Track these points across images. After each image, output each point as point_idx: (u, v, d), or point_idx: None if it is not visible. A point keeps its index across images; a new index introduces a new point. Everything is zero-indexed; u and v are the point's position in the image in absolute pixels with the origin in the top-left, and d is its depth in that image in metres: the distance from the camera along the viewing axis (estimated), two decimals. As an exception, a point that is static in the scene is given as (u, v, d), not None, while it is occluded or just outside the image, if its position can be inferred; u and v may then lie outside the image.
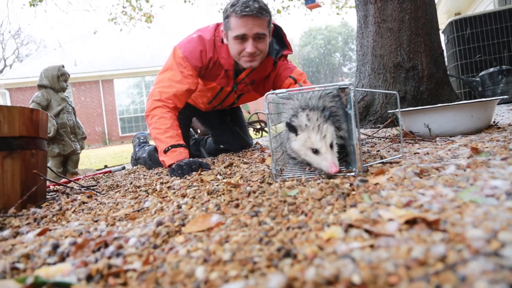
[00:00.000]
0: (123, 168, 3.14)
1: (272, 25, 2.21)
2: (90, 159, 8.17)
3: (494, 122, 2.34)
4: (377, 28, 3.82)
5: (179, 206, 1.12)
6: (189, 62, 2.20)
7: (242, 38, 2.08)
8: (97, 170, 3.87)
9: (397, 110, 1.61)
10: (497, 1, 7.36)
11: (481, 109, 2.09)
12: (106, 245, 0.83)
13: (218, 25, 2.31)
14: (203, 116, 3.05)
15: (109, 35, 19.71)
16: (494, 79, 4.78)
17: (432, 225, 0.68)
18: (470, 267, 0.50)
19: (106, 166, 4.51)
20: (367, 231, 0.71)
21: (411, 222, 0.71)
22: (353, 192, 1.03)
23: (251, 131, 7.22)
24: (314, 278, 0.54)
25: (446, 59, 6.24)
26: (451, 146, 1.67)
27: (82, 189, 1.85)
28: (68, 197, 1.63)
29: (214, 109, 2.81)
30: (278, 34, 2.39)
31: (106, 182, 2.22)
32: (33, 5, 8.38)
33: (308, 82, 2.48)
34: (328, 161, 1.26)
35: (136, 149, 3.20)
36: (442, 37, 6.28)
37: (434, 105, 2.31)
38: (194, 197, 1.22)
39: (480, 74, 5.02)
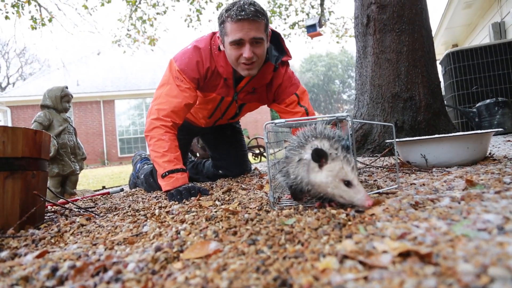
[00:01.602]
0: (121, 190, 3.15)
1: (269, 30, 2.16)
2: (88, 179, 8.16)
3: (490, 153, 2.38)
4: (376, 59, 3.91)
5: (177, 232, 1.13)
6: (186, 75, 2.15)
7: (238, 43, 2.02)
8: (95, 191, 3.87)
9: (393, 140, 1.64)
10: (492, 35, 7.54)
11: (477, 141, 2.13)
12: (105, 269, 0.85)
13: (214, 33, 2.26)
14: (204, 135, 3.07)
15: (112, 56, 20.01)
16: (491, 110, 4.86)
17: (425, 258, 0.70)
18: (459, 301, 0.52)
19: (104, 187, 4.51)
20: (361, 262, 0.72)
21: (404, 255, 0.73)
22: (349, 223, 1.05)
23: (250, 156, 7.26)
24: (309, 308, 0.55)
25: (443, 89, 6.35)
26: (447, 178, 1.69)
27: (81, 211, 1.86)
28: (66, 219, 1.64)
29: (216, 124, 2.77)
30: (276, 40, 2.32)
31: (104, 204, 2.22)
32: (35, 28, 8.55)
33: (310, 105, 2.50)
34: (362, 194, 1.17)
35: (138, 165, 3.20)
36: (440, 68, 6.40)
37: (431, 135, 2.35)
38: (192, 223, 1.24)
39: (477, 105, 5.09)
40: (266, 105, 2.62)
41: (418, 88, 3.78)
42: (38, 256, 1.03)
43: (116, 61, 20.28)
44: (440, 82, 4.08)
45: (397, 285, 0.60)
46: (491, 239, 0.77)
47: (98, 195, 2.87)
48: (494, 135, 4.47)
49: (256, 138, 8.08)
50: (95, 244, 1.14)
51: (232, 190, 2.10)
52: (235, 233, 1.08)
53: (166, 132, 2.10)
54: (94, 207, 2.05)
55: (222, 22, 2.04)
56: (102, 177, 8.60)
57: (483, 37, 8.97)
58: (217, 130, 2.93)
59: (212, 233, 1.08)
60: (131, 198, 2.38)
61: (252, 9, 1.95)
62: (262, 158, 7.31)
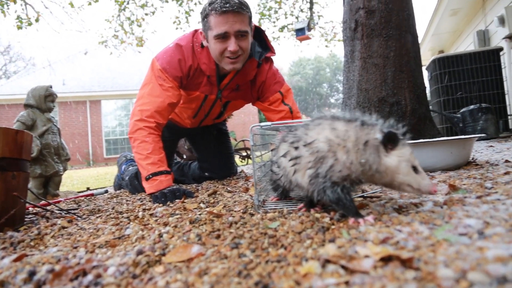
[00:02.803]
0: (106, 191, 3.11)
1: (253, 25, 2.14)
2: (72, 180, 8.04)
3: (472, 158, 2.41)
4: (363, 63, 3.94)
5: (160, 235, 1.12)
6: (168, 73, 2.12)
7: (223, 37, 1.99)
8: (79, 192, 3.81)
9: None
10: (477, 42, 7.68)
11: (460, 146, 2.16)
12: (85, 273, 0.83)
13: (196, 31, 2.23)
14: (190, 137, 3.05)
15: (99, 56, 19.79)
16: (474, 116, 4.93)
17: (406, 263, 0.70)
18: (438, 307, 0.52)
19: (88, 189, 4.45)
20: (343, 267, 0.72)
21: (386, 259, 0.73)
22: (333, 227, 1.05)
23: (237, 158, 7.25)
24: (289, 314, 0.55)
25: (429, 94, 6.43)
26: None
27: (63, 213, 1.83)
28: (47, 221, 1.60)
29: (201, 124, 2.76)
30: (259, 37, 2.30)
31: (87, 206, 2.19)
32: (21, 28, 8.41)
33: (295, 103, 2.49)
34: (428, 180, 1.09)
35: (123, 166, 3.16)
36: (426, 74, 6.49)
37: (416, 140, 2.37)
38: (176, 226, 1.22)
39: (461, 110, 5.17)
40: (251, 104, 2.61)
41: (404, 93, 3.82)
42: (15, 260, 1.01)
43: (103, 61, 20.05)
44: (425, 87, 4.13)
45: (378, 290, 0.60)
46: (472, 244, 0.77)
47: (81, 196, 2.83)
48: (477, 140, 4.54)
49: (243, 141, 8.07)
50: (76, 247, 1.12)
51: (218, 192, 2.08)
52: (218, 237, 1.07)
53: (150, 134, 2.08)
54: (76, 209, 2.02)
55: (205, 16, 2.01)
56: (86, 178, 8.48)
57: (468, 44, 9.13)
58: (203, 132, 2.91)
59: (195, 236, 1.07)
60: (115, 200, 2.35)
61: (236, 1, 1.94)
62: (249, 160, 7.31)
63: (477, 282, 0.59)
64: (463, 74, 5.80)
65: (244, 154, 7.52)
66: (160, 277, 0.79)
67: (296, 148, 1.18)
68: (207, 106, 2.47)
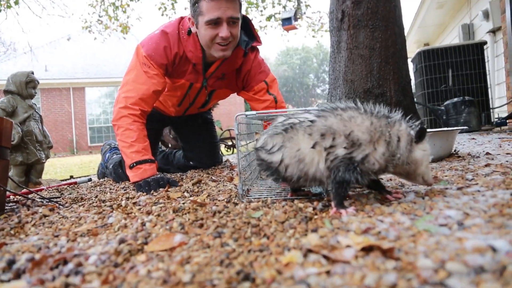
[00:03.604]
0: (90, 180, 3.07)
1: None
2: (55, 168, 7.92)
3: (455, 150, 2.45)
4: (349, 54, 3.95)
5: (143, 224, 1.11)
6: (153, 61, 2.09)
7: (215, 23, 1.97)
8: (62, 180, 3.76)
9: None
10: (462, 36, 7.76)
11: (443, 138, 2.19)
12: (65, 262, 0.82)
13: (182, 18, 2.21)
14: (174, 125, 3.02)
15: (83, 42, 19.39)
16: (458, 108, 5.00)
17: (387, 253, 0.71)
18: (417, 296, 0.53)
19: (71, 177, 4.40)
20: (325, 256, 0.73)
21: (367, 249, 0.74)
22: (316, 216, 1.06)
23: (222, 148, 7.24)
24: (270, 303, 0.55)
25: (414, 87, 6.50)
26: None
27: (44, 201, 1.80)
28: (28, 210, 1.58)
29: (186, 113, 2.73)
30: (246, 25, 2.28)
31: (70, 194, 2.16)
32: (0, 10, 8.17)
33: (280, 93, 2.49)
34: (431, 172, 1.22)
35: (107, 155, 3.12)
36: (411, 66, 6.55)
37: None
38: (159, 215, 1.22)
39: (445, 103, 5.24)
40: (236, 93, 2.60)
41: (389, 84, 3.85)
42: (-6, 248, 0.99)
43: (87, 47, 19.65)
44: (410, 79, 4.17)
45: (358, 279, 0.61)
46: (451, 235, 0.79)
47: (64, 185, 2.79)
48: (459, 132, 4.61)
49: (229, 130, 8.06)
50: (57, 236, 1.10)
51: (202, 181, 2.08)
52: (201, 226, 1.06)
53: (134, 122, 2.05)
54: (59, 197, 1.99)
55: (196, 1, 1.98)
56: (70, 166, 8.37)
57: (453, 37, 9.22)
58: (188, 120, 2.89)
59: (178, 225, 1.06)
60: (98, 188, 2.33)
61: None
62: (235, 150, 7.30)
63: (455, 272, 0.60)
64: (448, 67, 5.87)
65: (230, 143, 7.51)
66: (141, 265, 0.78)
67: (333, 139, 1.15)
68: (192, 94, 2.45)
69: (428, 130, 2.25)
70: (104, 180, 2.77)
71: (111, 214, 1.34)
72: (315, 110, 1.25)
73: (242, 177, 1.44)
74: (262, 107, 2.41)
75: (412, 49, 10.73)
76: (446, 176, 1.58)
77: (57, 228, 1.23)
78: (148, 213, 1.28)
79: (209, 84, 2.38)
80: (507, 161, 1.84)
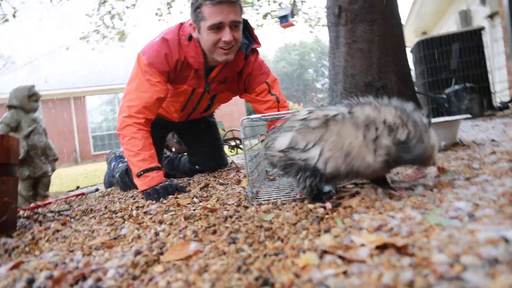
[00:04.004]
0: (97, 189, 3.08)
1: None
2: (61, 179, 7.96)
3: (459, 139, 2.45)
4: (348, 49, 3.95)
5: (156, 234, 1.12)
6: (155, 68, 2.10)
7: (218, 27, 1.98)
8: (69, 191, 3.78)
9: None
10: (459, 22, 7.73)
11: (447, 128, 2.19)
12: (84, 278, 0.83)
13: (181, 24, 2.22)
14: (178, 131, 3.03)
15: (81, 51, 19.42)
16: (459, 96, 4.99)
17: (401, 250, 0.72)
18: (435, 293, 0.54)
19: (78, 187, 4.42)
20: (340, 257, 0.74)
21: (381, 247, 0.74)
22: (327, 216, 1.07)
23: (226, 148, 7.25)
24: (291, 308, 0.56)
25: (415, 76, 6.48)
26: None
27: (56, 215, 1.81)
28: (40, 225, 1.59)
29: (189, 118, 2.74)
30: (245, 28, 2.28)
31: (79, 206, 2.18)
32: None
33: (281, 93, 2.50)
34: None
35: (113, 163, 3.13)
36: (410, 56, 6.53)
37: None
38: (171, 224, 1.23)
39: (446, 91, 5.22)
40: (238, 96, 2.61)
41: (390, 76, 3.84)
42: (12, 268, 1.00)
43: (85, 56, 19.64)
44: (410, 69, 4.17)
45: (376, 278, 0.62)
46: (463, 227, 0.79)
47: (72, 196, 2.80)
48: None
49: (231, 131, 8.06)
50: (72, 251, 1.11)
51: (210, 185, 2.09)
52: (214, 232, 1.07)
53: (139, 130, 2.06)
54: (68, 209, 2.00)
55: (198, 7, 1.99)
56: (75, 176, 8.41)
57: (451, 25, 9.19)
58: (191, 125, 2.90)
59: (191, 233, 1.07)
60: (107, 198, 2.34)
61: None
62: (239, 150, 7.31)
63: (470, 265, 0.60)
64: (448, 55, 5.85)
65: (233, 144, 7.52)
66: (160, 277, 0.80)
67: (376, 129, 1.18)
68: (194, 99, 2.46)
69: (432, 120, 2.25)
70: (112, 190, 2.79)
71: (123, 225, 1.35)
72: (335, 106, 1.29)
73: (250, 179, 1.45)
74: (264, 107, 2.42)
75: (410, 38, 10.70)
76: (452, 166, 1.59)
77: (71, 242, 1.25)
78: (161, 222, 1.29)
79: (211, 88, 2.39)
80: (512, 148, 1.84)
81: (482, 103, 5.28)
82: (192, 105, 2.52)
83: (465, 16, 7.68)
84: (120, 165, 2.98)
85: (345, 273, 0.67)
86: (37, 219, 1.74)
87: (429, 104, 6.04)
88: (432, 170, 1.56)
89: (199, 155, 2.92)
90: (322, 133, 1.20)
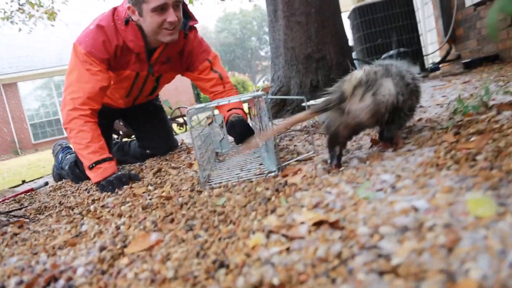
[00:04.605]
0: (46, 183, 3.03)
1: None
2: (2, 173, 7.57)
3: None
4: (287, 22, 4.05)
5: (117, 227, 1.19)
6: (94, 57, 2.09)
7: (162, 9, 2.01)
8: (13, 187, 3.67)
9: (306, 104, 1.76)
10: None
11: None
12: (56, 279, 0.90)
13: (115, 8, 2.21)
14: (125, 116, 3.03)
15: (8, 35, 17.98)
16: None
17: (334, 225, 0.85)
18: (356, 260, 0.67)
19: (24, 181, 4.26)
20: (284, 235, 0.86)
21: (318, 223, 0.87)
22: (273, 197, 1.19)
23: (174, 126, 7.22)
24: (244, 285, 0.68)
25: (353, 42, 6.73)
26: (357, 136, 1.89)
27: (9, 218, 1.80)
28: (-5, 229, 1.59)
29: (135, 103, 2.76)
30: None
31: (31, 204, 2.16)
32: None
33: (223, 69, 2.58)
34: None
35: (60, 155, 3.07)
36: (348, 22, 6.75)
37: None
38: (130, 216, 1.30)
39: (382, 56, 5.51)
40: (180, 75, 2.67)
41: (328, 48, 4.00)
42: (-22, 276, 1.04)
43: (12, 38, 18.25)
44: (348, 39, 4.35)
45: (312, 253, 0.74)
46: (385, 199, 0.93)
47: (21, 193, 2.74)
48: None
49: (179, 108, 8.02)
50: (35, 253, 1.16)
51: (162, 170, 2.15)
52: (172, 221, 1.16)
53: (86, 122, 2.06)
54: (20, 209, 1.99)
55: None
56: (18, 168, 8.02)
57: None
58: (138, 110, 2.90)
59: (151, 223, 1.16)
60: (59, 192, 2.33)
61: None
62: (187, 127, 7.32)
63: (386, 234, 0.74)
64: (383, 21, 6.13)
65: (181, 121, 7.52)
66: (127, 269, 0.88)
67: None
68: (139, 83, 2.47)
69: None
70: (63, 183, 2.76)
71: (82, 221, 1.40)
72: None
73: (200, 163, 1.53)
74: (208, 85, 2.50)
75: (347, 2, 10.96)
76: (384, 136, 1.75)
77: (32, 244, 1.28)
78: (119, 215, 1.36)
79: (155, 70, 2.42)
80: (436, 114, 2.03)
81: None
82: (137, 89, 2.53)
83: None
84: (68, 156, 2.94)
85: (287, 249, 0.79)
86: (-10, 224, 1.72)
87: (367, 69, 6.32)
88: (366, 142, 1.72)
89: (149, 140, 2.94)
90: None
